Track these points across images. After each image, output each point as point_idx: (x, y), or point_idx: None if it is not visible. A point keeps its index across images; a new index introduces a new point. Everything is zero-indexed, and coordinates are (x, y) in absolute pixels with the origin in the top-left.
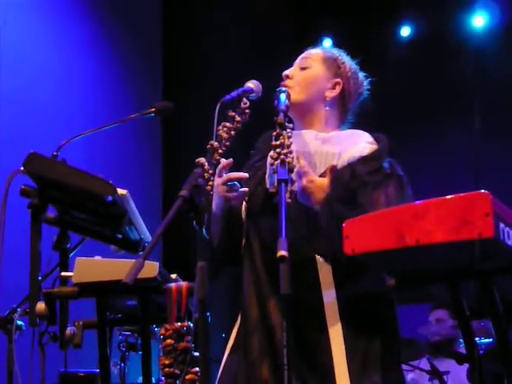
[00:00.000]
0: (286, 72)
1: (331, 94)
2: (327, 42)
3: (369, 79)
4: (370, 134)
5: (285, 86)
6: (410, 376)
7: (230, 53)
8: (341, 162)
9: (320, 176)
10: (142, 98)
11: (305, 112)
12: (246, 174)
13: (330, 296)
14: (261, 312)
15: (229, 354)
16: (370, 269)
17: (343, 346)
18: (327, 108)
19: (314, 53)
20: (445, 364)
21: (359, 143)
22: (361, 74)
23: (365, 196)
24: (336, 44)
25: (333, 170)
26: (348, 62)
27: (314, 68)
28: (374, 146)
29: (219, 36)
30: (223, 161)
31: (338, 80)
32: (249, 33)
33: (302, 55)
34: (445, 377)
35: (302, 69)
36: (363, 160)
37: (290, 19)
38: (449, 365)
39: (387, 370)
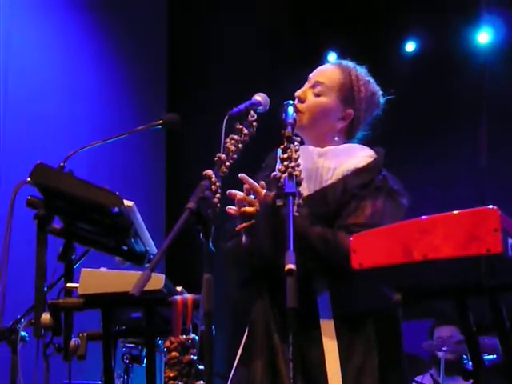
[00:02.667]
0: (299, 93)
1: (340, 124)
2: (332, 56)
3: (386, 98)
4: (370, 147)
5: (296, 109)
6: None
7: (236, 65)
8: (335, 177)
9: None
10: (147, 110)
11: (311, 137)
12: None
13: (326, 311)
14: (265, 329)
15: (235, 368)
16: (370, 285)
17: (338, 362)
18: (335, 138)
19: (329, 76)
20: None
21: (356, 157)
22: (377, 97)
23: (349, 208)
24: (340, 59)
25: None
26: (364, 87)
27: (328, 98)
28: (370, 159)
29: (224, 49)
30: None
31: (350, 111)
32: (254, 46)
33: (317, 75)
34: None
35: (315, 94)
36: (356, 172)
37: (296, 33)
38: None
39: None
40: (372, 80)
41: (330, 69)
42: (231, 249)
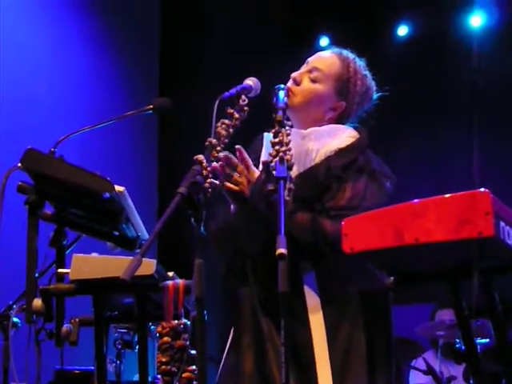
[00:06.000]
0: (295, 75)
1: (330, 114)
2: (324, 41)
3: (379, 94)
4: (353, 128)
5: (289, 90)
6: None
7: (228, 49)
8: (318, 158)
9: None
10: (139, 93)
11: (299, 120)
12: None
13: (312, 290)
14: (252, 314)
15: (227, 354)
16: (355, 266)
17: (325, 342)
18: (323, 124)
19: (327, 64)
20: (456, 368)
21: (339, 138)
22: (371, 92)
23: (331, 192)
24: (332, 43)
25: (264, 164)
26: (360, 81)
27: (323, 86)
28: (353, 139)
29: (216, 32)
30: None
31: (342, 103)
32: (247, 29)
33: (316, 61)
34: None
35: (311, 80)
36: (339, 152)
37: (288, 17)
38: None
39: (375, 368)
40: (368, 74)
41: (330, 57)
42: (214, 230)
